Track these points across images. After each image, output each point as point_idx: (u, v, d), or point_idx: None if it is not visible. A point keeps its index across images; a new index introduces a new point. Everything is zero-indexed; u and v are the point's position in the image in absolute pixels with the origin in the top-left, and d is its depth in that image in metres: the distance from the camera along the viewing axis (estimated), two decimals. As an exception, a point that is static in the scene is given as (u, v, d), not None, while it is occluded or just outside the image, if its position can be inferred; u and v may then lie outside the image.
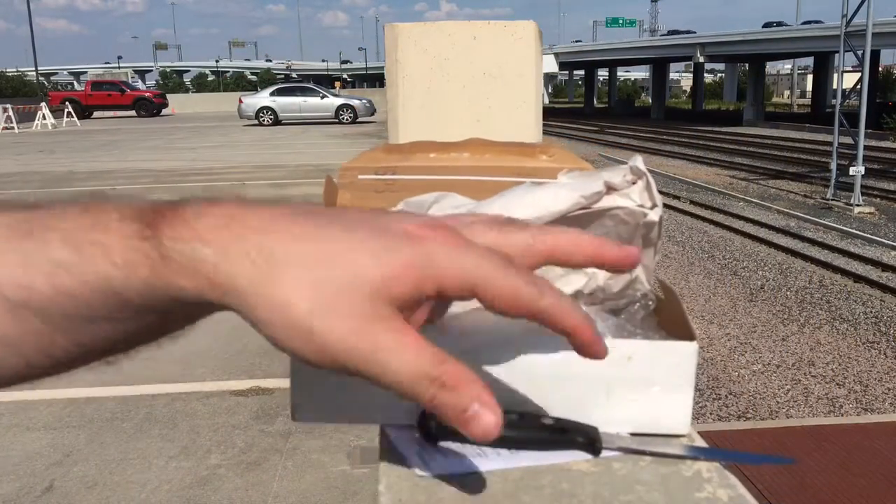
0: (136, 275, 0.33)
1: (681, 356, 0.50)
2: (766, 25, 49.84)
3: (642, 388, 0.50)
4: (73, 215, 0.34)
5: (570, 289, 0.55)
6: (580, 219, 0.53)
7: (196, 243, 0.32)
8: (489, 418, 0.33)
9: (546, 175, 0.81)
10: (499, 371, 0.48)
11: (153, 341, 0.38)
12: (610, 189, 0.54)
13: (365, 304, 0.32)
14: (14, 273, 0.33)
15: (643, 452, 0.49)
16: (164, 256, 0.32)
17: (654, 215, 0.54)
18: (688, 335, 0.52)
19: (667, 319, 0.57)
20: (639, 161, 0.56)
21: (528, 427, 0.47)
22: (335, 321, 0.32)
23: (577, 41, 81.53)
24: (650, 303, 0.57)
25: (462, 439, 0.46)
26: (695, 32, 56.63)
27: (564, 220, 0.53)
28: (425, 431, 0.46)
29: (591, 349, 0.37)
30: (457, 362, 0.33)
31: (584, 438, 0.48)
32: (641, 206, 0.54)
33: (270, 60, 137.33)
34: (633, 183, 0.55)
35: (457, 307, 0.50)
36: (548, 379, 0.49)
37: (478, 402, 0.33)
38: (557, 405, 0.49)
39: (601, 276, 0.54)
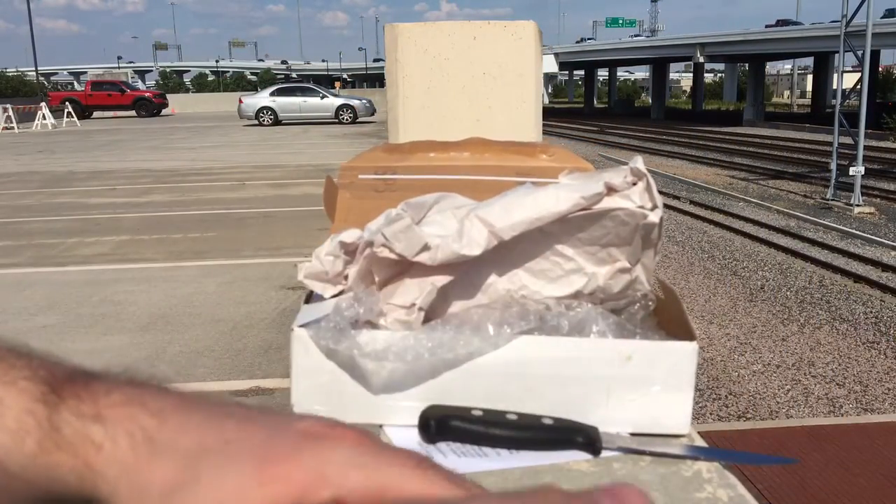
0: (23, 442, 0.29)
1: (681, 356, 0.50)
2: (779, 23, 49.70)
3: (642, 387, 0.50)
4: None
5: (570, 289, 0.55)
6: (581, 220, 0.53)
7: (91, 422, 0.29)
8: None
9: (546, 174, 0.81)
10: (502, 371, 0.48)
11: None
12: (610, 190, 0.54)
13: None
14: None
15: (643, 452, 0.49)
16: (54, 427, 0.29)
17: (654, 216, 0.54)
18: (688, 335, 0.52)
19: (667, 319, 0.57)
20: (639, 162, 0.56)
21: (528, 427, 0.47)
22: None
23: (583, 40, 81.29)
24: (650, 303, 0.57)
25: (461, 439, 0.46)
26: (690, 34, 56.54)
27: (565, 220, 0.53)
28: (425, 431, 0.47)
29: None
30: None
31: (584, 438, 0.48)
32: (642, 206, 0.54)
33: (262, 60, 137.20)
34: (634, 184, 0.55)
35: (455, 307, 0.50)
36: (549, 379, 0.49)
37: None
38: (559, 405, 0.49)
39: (601, 277, 0.54)
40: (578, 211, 0.53)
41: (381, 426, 0.50)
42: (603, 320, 0.52)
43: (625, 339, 0.50)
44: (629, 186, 0.55)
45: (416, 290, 0.50)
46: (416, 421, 0.48)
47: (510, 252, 0.51)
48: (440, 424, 0.45)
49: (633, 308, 0.55)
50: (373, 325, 0.51)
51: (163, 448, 0.28)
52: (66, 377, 0.32)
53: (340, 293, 0.56)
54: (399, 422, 0.48)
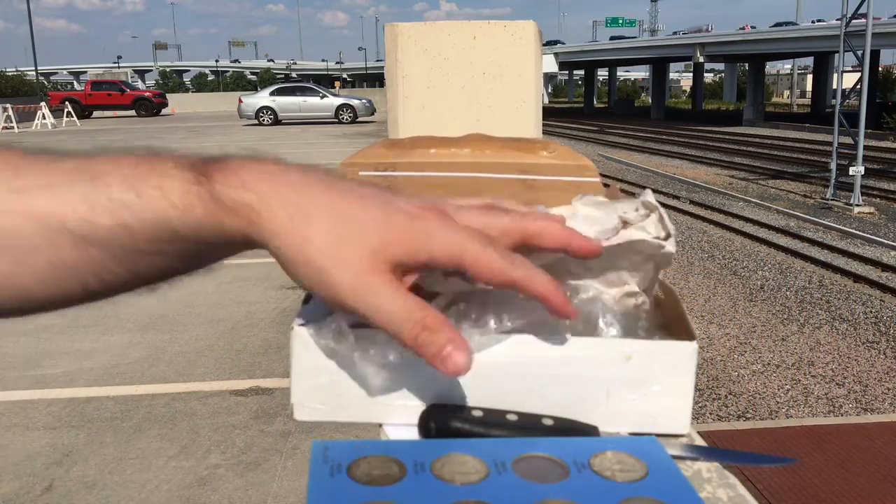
0: (192, 214, 0.39)
1: (681, 355, 0.50)
2: (776, 25, 49.56)
3: (642, 387, 0.50)
4: (128, 164, 0.41)
5: (585, 295, 0.55)
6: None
7: (242, 190, 0.39)
8: (461, 357, 0.39)
9: (547, 172, 0.85)
10: (501, 372, 0.49)
11: (190, 272, 0.45)
12: (625, 223, 0.55)
13: (366, 257, 0.40)
14: (78, 209, 0.39)
15: None
16: (215, 199, 0.39)
17: (670, 247, 0.55)
18: (687, 334, 0.52)
19: (666, 319, 0.57)
20: (649, 195, 0.58)
21: (528, 427, 0.47)
22: (342, 266, 0.39)
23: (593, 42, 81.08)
24: (647, 316, 0.57)
25: (459, 436, 0.46)
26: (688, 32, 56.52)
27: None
28: (425, 432, 0.47)
29: (561, 311, 0.44)
30: (436, 311, 0.41)
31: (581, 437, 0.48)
32: (657, 237, 0.54)
33: (272, 61, 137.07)
34: (647, 216, 0.56)
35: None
36: (548, 379, 0.49)
37: (451, 343, 0.40)
38: (558, 405, 0.49)
39: (609, 298, 0.55)
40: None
41: (380, 425, 0.50)
42: (611, 315, 0.53)
43: (626, 338, 0.51)
44: (643, 219, 0.56)
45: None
46: (415, 420, 0.48)
47: None
48: (440, 425, 0.45)
49: (638, 323, 0.55)
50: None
51: (310, 214, 0.40)
52: (202, 163, 0.41)
53: None
54: (399, 421, 0.49)
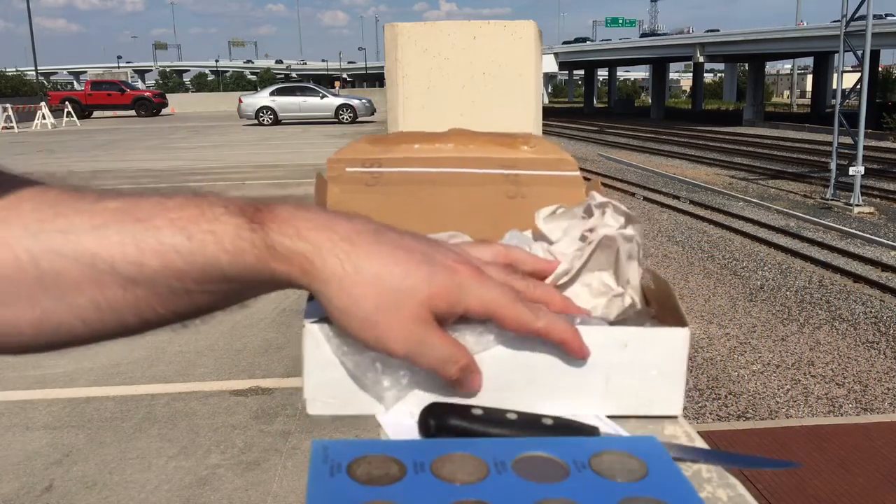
0: (242, 258, 0.41)
1: (674, 341, 0.53)
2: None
3: (639, 372, 0.53)
4: (176, 207, 0.42)
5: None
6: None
7: (297, 239, 0.42)
8: (479, 380, 0.48)
9: (528, 166, 0.87)
10: (506, 362, 0.51)
11: (225, 309, 0.47)
12: (591, 229, 0.58)
13: (415, 310, 0.44)
14: (127, 251, 0.40)
15: None
16: (269, 246, 0.41)
17: (630, 230, 0.57)
18: (680, 322, 0.54)
19: (659, 308, 0.59)
20: (596, 196, 0.61)
21: (528, 427, 0.47)
22: (394, 320, 0.43)
23: (578, 39, 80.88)
24: (639, 312, 0.59)
25: (459, 435, 0.46)
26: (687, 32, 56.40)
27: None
28: (425, 430, 0.47)
29: (577, 354, 0.50)
30: (469, 353, 0.47)
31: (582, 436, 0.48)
32: (620, 227, 0.57)
33: (280, 62, 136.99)
34: (603, 213, 0.59)
35: None
36: (550, 368, 0.52)
37: (477, 373, 0.48)
38: (560, 391, 0.52)
39: (600, 308, 0.57)
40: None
41: (380, 425, 0.50)
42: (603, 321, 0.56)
43: (621, 326, 0.54)
44: (601, 217, 0.59)
45: None
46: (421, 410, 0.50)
47: None
48: (439, 423, 0.46)
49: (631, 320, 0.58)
50: None
51: (363, 268, 0.43)
52: (254, 209, 0.42)
53: None
54: (407, 412, 0.51)
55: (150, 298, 0.42)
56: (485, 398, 0.50)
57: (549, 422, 0.48)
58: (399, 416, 0.50)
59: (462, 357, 0.46)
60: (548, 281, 0.56)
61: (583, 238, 0.59)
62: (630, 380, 0.53)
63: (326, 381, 0.52)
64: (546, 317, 0.48)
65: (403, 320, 0.43)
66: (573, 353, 0.49)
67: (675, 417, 0.54)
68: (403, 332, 0.44)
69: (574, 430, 0.49)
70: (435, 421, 0.47)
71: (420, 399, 0.50)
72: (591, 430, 0.49)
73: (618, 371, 0.52)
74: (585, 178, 0.83)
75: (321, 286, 0.43)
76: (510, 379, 0.51)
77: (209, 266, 0.41)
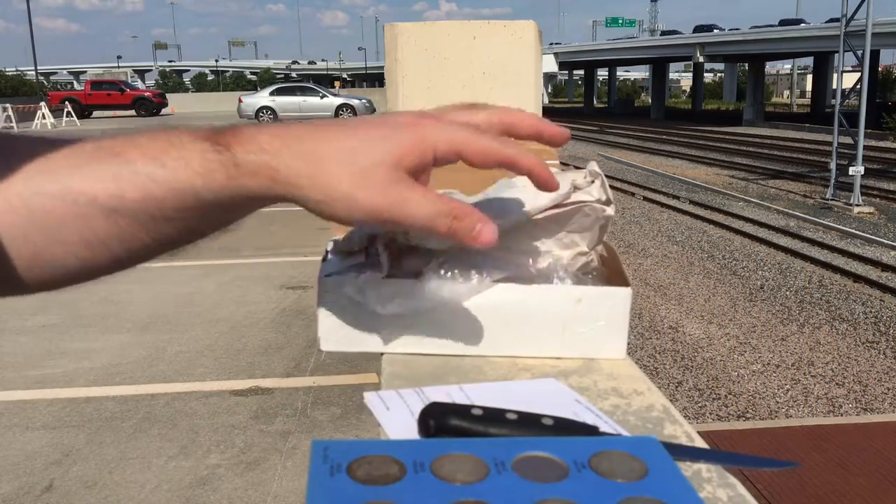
0: (215, 179, 0.43)
1: (619, 298, 0.64)
2: (783, 24, 49.23)
3: (590, 322, 0.64)
4: (147, 140, 0.44)
5: (543, 263, 0.68)
6: (558, 216, 0.68)
7: (260, 153, 0.44)
8: (488, 232, 0.47)
9: None
10: (474, 314, 0.62)
11: (210, 234, 0.49)
12: (575, 188, 0.68)
13: (389, 173, 0.45)
14: (107, 185, 0.43)
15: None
16: (236, 164, 0.43)
17: (610, 211, 0.68)
18: (624, 282, 0.66)
19: (609, 271, 0.71)
20: (594, 165, 0.70)
21: (527, 426, 0.48)
22: (370, 189, 0.44)
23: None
24: (597, 272, 0.71)
25: (458, 435, 0.46)
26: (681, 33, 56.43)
27: (542, 213, 0.68)
28: (424, 429, 0.47)
29: (546, 184, 0.51)
30: (458, 201, 0.47)
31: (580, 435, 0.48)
32: (599, 200, 0.67)
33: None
34: (592, 182, 0.68)
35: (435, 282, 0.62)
36: (515, 318, 0.63)
37: (480, 222, 0.47)
38: (524, 339, 0.64)
39: (565, 258, 0.68)
40: (553, 206, 0.67)
41: (379, 427, 0.50)
42: (563, 271, 0.67)
43: (576, 285, 0.65)
44: (589, 184, 0.68)
45: (420, 263, 0.65)
46: (417, 350, 0.61)
47: (499, 239, 0.60)
48: (439, 423, 0.46)
49: (588, 277, 0.71)
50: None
51: (325, 155, 0.44)
52: (217, 133, 0.44)
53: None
54: (403, 350, 0.62)
55: (134, 228, 0.44)
56: (464, 343, 0.57)
57: (549, 422, 0.49)
58: (399, 416, 0.50)
59: (447, 206, 0.46)
60: (545, 200, 0.65)
61: (569, 191, 0.67)
62: (582, 328, 0.64)
63: (338, 324, 0.63)
64: (514, 147, 0.48)
65: (380, 186, 0.44)
66: (542, 184, 0.50)
67: (619, 360, 0.64)
68: (385, 198, 0.44)
69: (574, 429, 0.49)
70: (434, 421, 0.47)
71: (417, 322, 0.59)
72: (591, 430, 0.49)
73: (572, 321, 0.64)
74: (563, 164, 0.93)
75: (293, 189, 0.44)
76: (486, 325, 0.63)
77: (185, 190, 0.43)
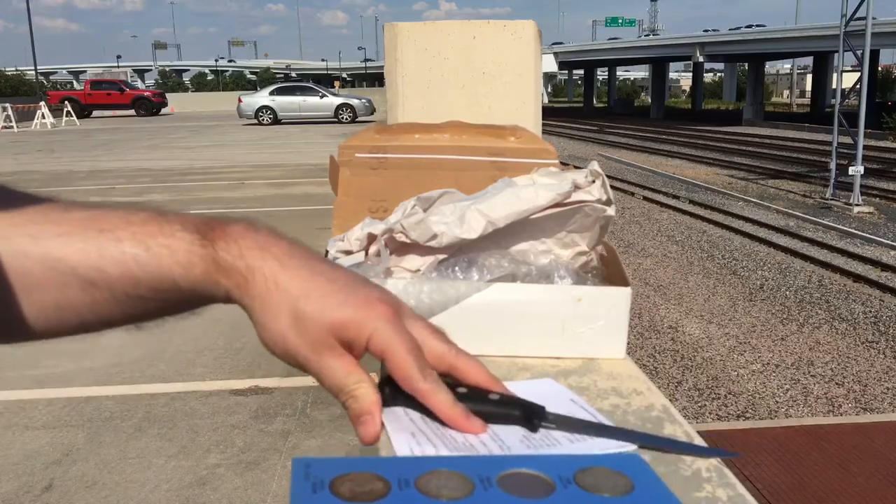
0: (192, 271, 0.46)
1: (619, 298, 0.64)
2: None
3: (590, 322, 0.63)
4: (139, 222, 0.47)
5: (545, 259, 0.69)
6: (559, 215, 0.68)
7: (237, 258, 0.46)
8: (370, 429, 0.47)
9: (513, 154, 1.00)
10: (473, 313, 0.62)
11: (174, 315, 0.51)
12: (576, 187, 0.68)
13: (321, 333, 0.46)
14: (90, 258, 0.45)
15: (584, 431, 0.50)
16: (215, 261, 0.46)
17: (611, 211, 0.68)
18: (624, 282, 0.65)
19: (609, 271, 0.71)
20: (595, 165, 0.70)
21: (473, 400, 0.49)
22: (301, 339, 0.46)
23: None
24: (596, 271, 0.72)
25: (412, 406, 0.49)
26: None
27: (542, 212, 0.68)
28: (384, 399, 0.49)
29: (460, 429, 0.48)
30: (370, 386, 0.48)
31: (522, 413, 0.50)
32: (599, 199, 0.67)
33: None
34: (593, 182, 0.68)
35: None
36: (518, 317, 0.63)
37: (368, 415, 0.47)
38: (523, 338, 0.63)
39: (565, 257, 0.69)
40: (552, 206, 0.67)
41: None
42: (564, 269, 0.67)
43: (576, 285, 0.65)
44: (590, 184, 0.68)
45: (420, 260, 0.66)
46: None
47: (499, 238, 0.62)
48: (394, 391, 0.48)
49: (587, 276, 0.71)
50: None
51: (283, 287, 0.46)
52: (207, 226, 0.47)
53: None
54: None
55: (107, 301, 0.46)
56: (464, 342, 0.55)
57: (495, 397, 0.50)
58: (398, 415, 0.50)
59: (353, 385, 0.47)
60: (545, 200, 0.64)
61: (570, 190, 0.68)
62: (582, 328, 0.63)
63: None
64: (433, 384, 0.48)
65: (309, 340, 0.46)
66: (455, 428, 0.48)
67: (619, 360, 0.64)
68: (308, 352, 0.46)
69: (520, 406, 0.49)
70: (390, 388, 0.49)
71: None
72: (537, 409, 0.50)
73: (572, 321, 0.63)
74: (563, 163, 0.93)
75: (249, 301, 0.47)
76: (486, 324, 0.63)
77: (163, 276, 0.46)
